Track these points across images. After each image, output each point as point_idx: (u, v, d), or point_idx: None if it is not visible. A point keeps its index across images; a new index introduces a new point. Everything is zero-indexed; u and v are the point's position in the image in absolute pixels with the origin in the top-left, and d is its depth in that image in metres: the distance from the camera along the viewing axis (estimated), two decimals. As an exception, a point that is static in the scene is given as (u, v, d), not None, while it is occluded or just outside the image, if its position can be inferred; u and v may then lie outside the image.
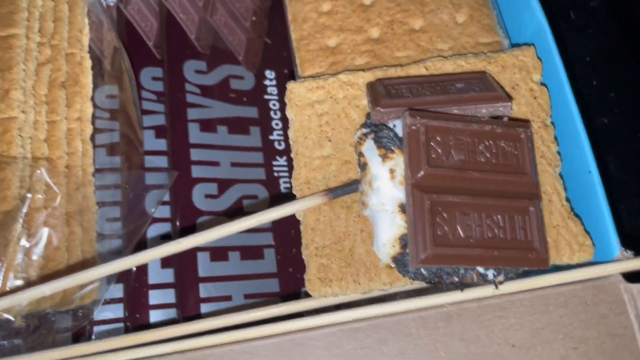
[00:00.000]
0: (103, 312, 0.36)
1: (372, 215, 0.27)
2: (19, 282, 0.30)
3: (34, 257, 0.31)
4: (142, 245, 0.36)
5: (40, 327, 0.35)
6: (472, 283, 0.26)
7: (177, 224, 0.35)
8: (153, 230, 0.36)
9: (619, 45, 0.47)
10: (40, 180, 0.31)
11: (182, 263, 0.34)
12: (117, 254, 0.35)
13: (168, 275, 0.35)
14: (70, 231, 0.33)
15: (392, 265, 0.27)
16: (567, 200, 0.29)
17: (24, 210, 0.30)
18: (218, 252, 0.35)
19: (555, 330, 0.27)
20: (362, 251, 0.28)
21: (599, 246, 0.28)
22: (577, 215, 0.29)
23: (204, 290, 0.34)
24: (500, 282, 0.26)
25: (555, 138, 0.30)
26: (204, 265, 0.35)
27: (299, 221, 0.29)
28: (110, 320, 0.35)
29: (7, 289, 0.30)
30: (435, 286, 0.27)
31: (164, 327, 0.29)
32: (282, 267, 0.36)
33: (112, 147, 0.36)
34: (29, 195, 0.30)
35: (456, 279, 0.26)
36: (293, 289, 0.36)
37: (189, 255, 0.34)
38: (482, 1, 0.34)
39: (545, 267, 0.25)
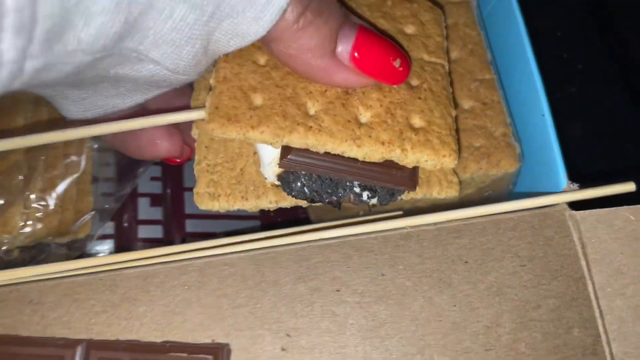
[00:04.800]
0: (95, 247, 0.38)
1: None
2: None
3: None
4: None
5: (36, 259, 0.38)
6: (349, 203, 0.29)
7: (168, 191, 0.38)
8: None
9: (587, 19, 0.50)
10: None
11: (171, 201, 0.37)
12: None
13: (156, 213, 0.38)
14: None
15: (278, 184, 0.29)
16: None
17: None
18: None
19: (504, 250, 0.29)
20: (253, 171, 0.29)
21: (549, 179, 0.31)
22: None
23: (190, 225, 0.37)
24: (374, 205, 0.28)
25: None
26: (190, 204, 0.37)
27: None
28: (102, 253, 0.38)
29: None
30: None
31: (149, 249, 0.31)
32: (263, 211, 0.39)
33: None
34: None
35: (334, 198, 0.28)
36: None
37: (177, 195, 0.37)
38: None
39: (410, 189, 0.28)
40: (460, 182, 0.32)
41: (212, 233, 0.37)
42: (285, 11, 0.24)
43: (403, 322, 0.28)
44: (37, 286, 0.29)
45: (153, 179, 0.38)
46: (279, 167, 0.28)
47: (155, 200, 0.37)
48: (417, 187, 0.29)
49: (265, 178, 0.29)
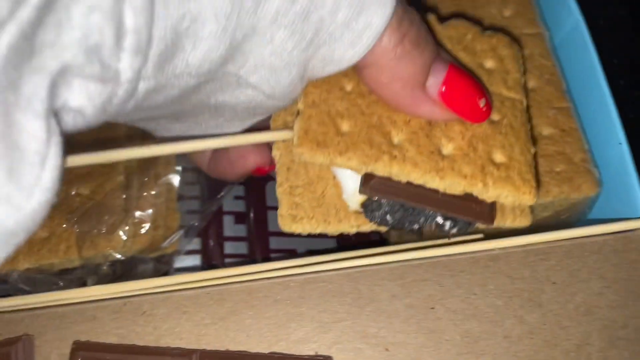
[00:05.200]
0: (183, 262, 0.41)
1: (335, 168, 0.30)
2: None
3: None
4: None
5: (124, 273, 0.40)
6: (431, 232, 0.30)
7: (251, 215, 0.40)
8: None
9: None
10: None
11: (255, 219, 0.39)
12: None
13: (241, 230, 0.40)
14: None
15: (360, 211, 0.29)
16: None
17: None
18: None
19: (590, 271, 0.31)
20: (334, 194, 0.29)
21: (626, 204, 0.33)
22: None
23: (273, 242, 0.39)
24: (453, 235, 0.30)
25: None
26: (273, 222, 0.39)
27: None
28: (189, 268, 0.40)
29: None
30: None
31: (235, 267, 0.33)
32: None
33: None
34: None
35: (416, 227, 0.29)
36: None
37: (261, 213, 0.39)
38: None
39: (488, 223, 0.29)
40: (539, 205, 0.34)
41: (293, 250, 0.39)
42: (382, 37, 0.25)
43: (496, 339, 0.29)
44: (148, 299, 0.31)
45: (237, 197, 0.40)
46: (360, 193, 0.28)
47: (239, 218, 0.39)
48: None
49: (349, 206, 0.30)
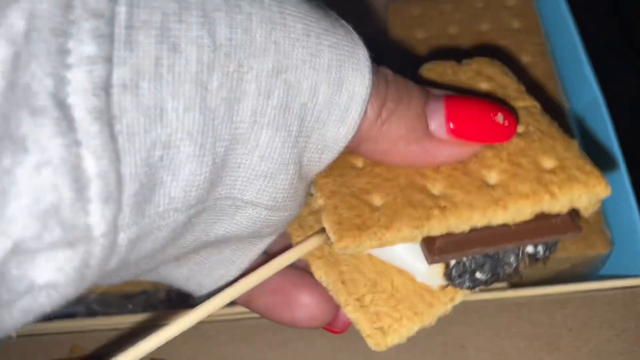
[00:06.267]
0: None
1: (386, 250, 0.26)
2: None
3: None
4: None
5: (179, 299, 0.44)
6: (527, 267, 0.27)
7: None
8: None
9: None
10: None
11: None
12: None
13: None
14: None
15: (446, 284, 0.26)
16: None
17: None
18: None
19: (602, 321, 0.35)
20: (406, 282, 0.27)
21: (636, 262, 0.37)
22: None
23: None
24: (547, 258, 0.26)
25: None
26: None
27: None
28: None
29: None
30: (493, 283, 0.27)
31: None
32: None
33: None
34: None
35: (511, 270, 0.26)
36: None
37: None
38: (549, 74, 0.44)
39: (577, 232, 0.25)
40: (558, 259, 0.39)
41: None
42: (366, 107, 0.23)
43: (518, 376, 0.34)
44: (213, 325, 0.35)
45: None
46: (429, 263, 0.25)
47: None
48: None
49: (432, 285, 0.27)
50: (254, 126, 0.21)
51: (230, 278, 0.27)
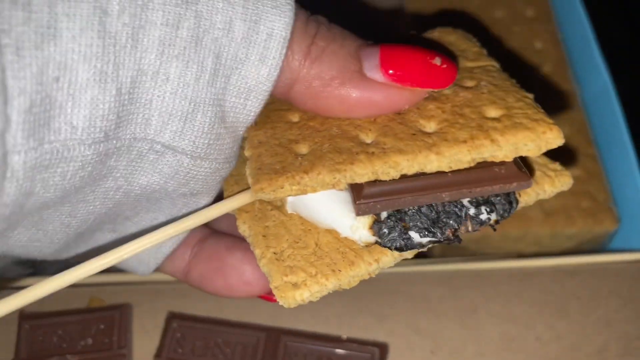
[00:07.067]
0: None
1: (311, 205, 0.25)
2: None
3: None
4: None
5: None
6: (470, 231, 0.24)
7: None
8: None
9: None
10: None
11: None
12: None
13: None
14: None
15: (373, 240, 0.24)
16: None
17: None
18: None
19: (610, 290, 0.36)
20: (331, 239, 0.25)
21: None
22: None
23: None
24: (497, 222, 0.24)
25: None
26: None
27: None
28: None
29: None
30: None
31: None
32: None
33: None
34: None
35: (449, 233, 0.24)
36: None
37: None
38: (561, 61, 0.46)
39: (523, 181, 0.24)
40: (566, 235, 0.40)
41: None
42: (292, 45, 0.22)
43: (528, 340, 0.34)
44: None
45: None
46: (357, 213, 0.23)
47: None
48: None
49: (356, 240, 0.24)
50: (162, 57, 0.20)
51: (167, 252, 0.27)
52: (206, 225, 0.27)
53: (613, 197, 0.41)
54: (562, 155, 0.27)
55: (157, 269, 0.28)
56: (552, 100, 0.43)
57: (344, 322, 0.35)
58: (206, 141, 0.22)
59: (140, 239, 0.24)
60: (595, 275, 0.37)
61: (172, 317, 0.34)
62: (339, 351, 0.33)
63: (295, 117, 0.25)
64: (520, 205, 0.25)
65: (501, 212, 0.24)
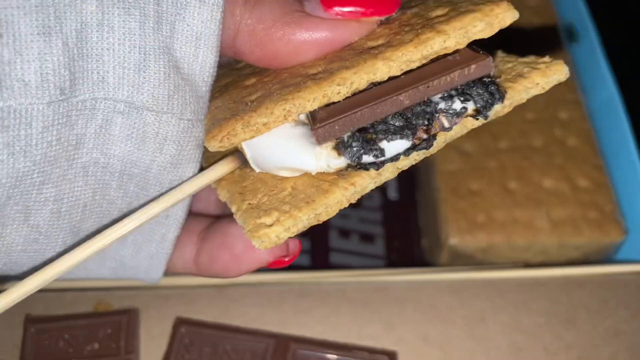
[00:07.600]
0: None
1: (271, 153, 0.24)
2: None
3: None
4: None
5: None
6: (447, 127, 0.23)
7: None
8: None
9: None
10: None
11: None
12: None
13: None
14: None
15: (344, 160, 0.23)
16: None
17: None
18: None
19: (618, 302, 0.36)
20: (305, 181, 0.24)
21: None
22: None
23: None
24: (478, 111, 0.23)
25: None
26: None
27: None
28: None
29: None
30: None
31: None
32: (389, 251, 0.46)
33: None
34: None
35: (421, 133, 0.23)
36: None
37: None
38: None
39: (482, 60, 0.23)
40: (572, 246, 0.40)
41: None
42: None
43: (537, 350, 0.34)
44: (240, 289, 0.36)
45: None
46: (317, 141, 0.22)
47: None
48: (512, 84, 0.24)
49: (326, 169, 0.23)
50: (103, 6, 0.20)
51: (173, 238, 0.27)
52: (208, 215, 0.28)
53: (620, 208, 0.41)
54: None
55: (169, 268, 0.28)
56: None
57: (353, 330, 0.35)
58: (165, 92, 0.22)
59: (130, 216, 0.24)
60: (603, 286, 0.37)
61: (180, 322, 0.34)
62: (348, 359, 0.33)
63: (250, 81, 0.25)
64: (509, 101, 0.24)
65: (481, 102, 0.23)
